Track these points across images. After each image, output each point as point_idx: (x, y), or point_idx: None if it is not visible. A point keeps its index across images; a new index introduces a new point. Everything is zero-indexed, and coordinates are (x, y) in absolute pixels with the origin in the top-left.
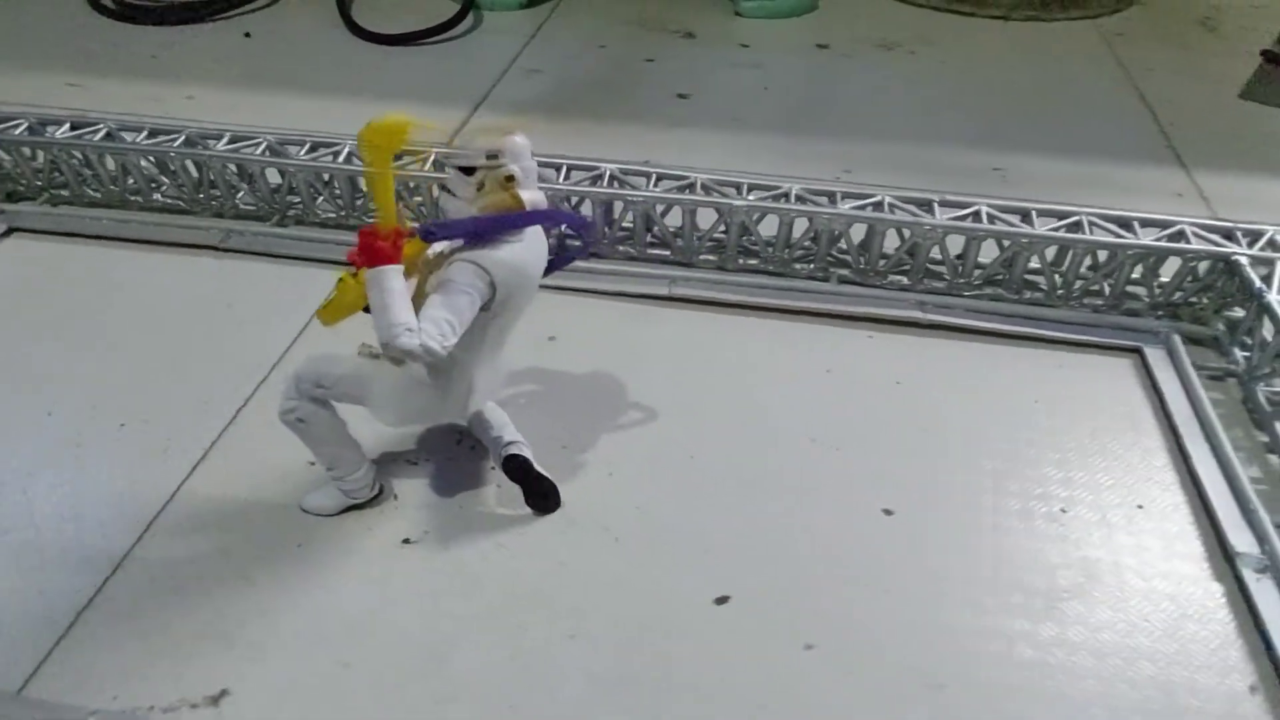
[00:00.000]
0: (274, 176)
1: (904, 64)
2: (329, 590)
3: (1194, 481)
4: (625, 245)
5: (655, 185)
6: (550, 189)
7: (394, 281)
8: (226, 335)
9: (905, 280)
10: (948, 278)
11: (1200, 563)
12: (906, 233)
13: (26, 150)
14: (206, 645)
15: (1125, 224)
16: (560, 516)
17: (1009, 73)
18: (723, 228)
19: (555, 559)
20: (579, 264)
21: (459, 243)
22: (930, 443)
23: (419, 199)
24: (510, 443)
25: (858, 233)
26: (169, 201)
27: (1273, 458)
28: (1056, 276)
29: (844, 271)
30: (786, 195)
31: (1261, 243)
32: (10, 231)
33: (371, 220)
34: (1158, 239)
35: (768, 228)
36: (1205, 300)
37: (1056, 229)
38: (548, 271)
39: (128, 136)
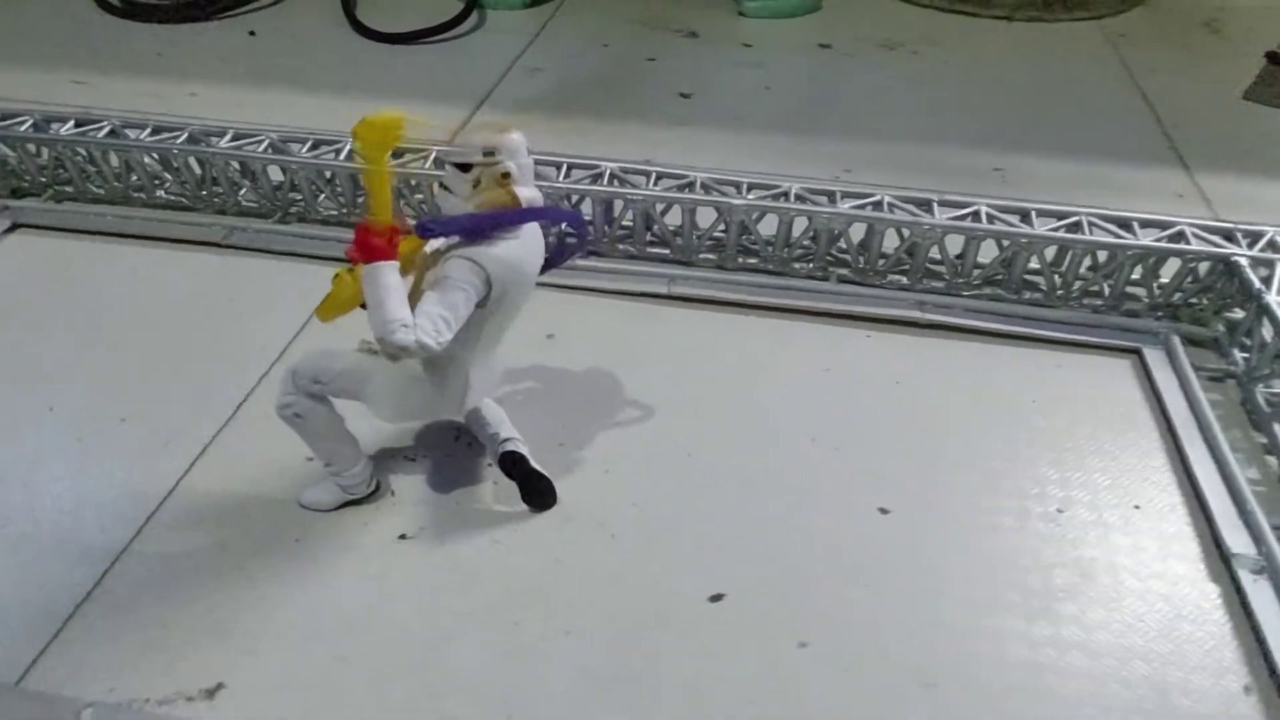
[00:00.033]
0: (276, 174)
1: (906, 64)
2: (325, 585)
3: (1191, 482)
4: (625, 244)
5: (655, 184)
6: (550, 187)
7: (389, 277)
8: (227, 331)
9: (904, 280)
10: (947, 277)
11: (1196, 563)
12: (906, 232)
13: (31, 147)
14: (203, 639)
15: (1125, 224)
16: (557, 513)
17: (1011, 73)
18: (722, 227)
19: (551, 555)
20: (579, 262)
21: (456, 239)
22: (928, 442)
23: (420, 196)
24: (507, 439)
25: (857, 232)
26: (172, 198)
27: (1271, 459)
28: (1056, 277)
29: (843, 271)
30: (786, 194)
31: (1262, 244)
32: (14, 227)
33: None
34: (1157, 240)
35: (767, 227)
36: (1205, 301)
37: (1056, 229)
38: (544, 269)
39: (131, 133)
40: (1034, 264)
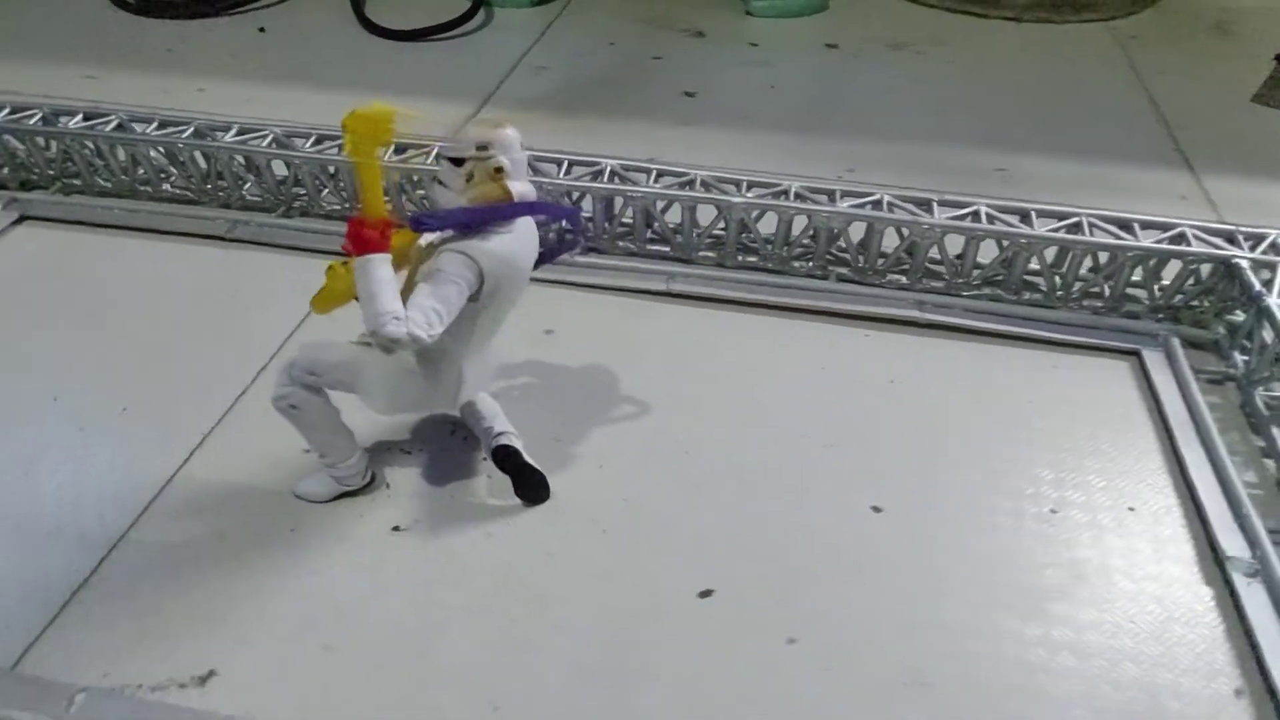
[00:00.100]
0: (280, 169)
1: (913, 64)
2: (319, 575)
3: (1187, 485)
4: (625, 241)
5: (656, 182)
6: (551, 184)
7: (382, 270)
8: (229, 324)
9: (904, 279)
10: (946, 277)
11: (1190, 566)
12: (905, 232)
13: (40, 140)
14: (197, 626)
15: (1125, 225)
16: (549, 507)
17: (1018, 74)
18: (722, 224)
19: (543, 549)
20: (579, 259)
21: (449, 233)
22: (923, 441)
23: (421, 192)
24: (500, 433)
25: (857, 231)
26: (177, 192)
27: (1269, 462)
28: (1056, 278)
29: (842, 270)
30: (785, 193)
31: (1263, 246)
32: (22, 219)
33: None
34: (1158, 241)
35: (768, 225)
36: (1206, 304)
37: (1056, 230)
38: (539, 264)
39: (138, 127)
40: (1034, 265)
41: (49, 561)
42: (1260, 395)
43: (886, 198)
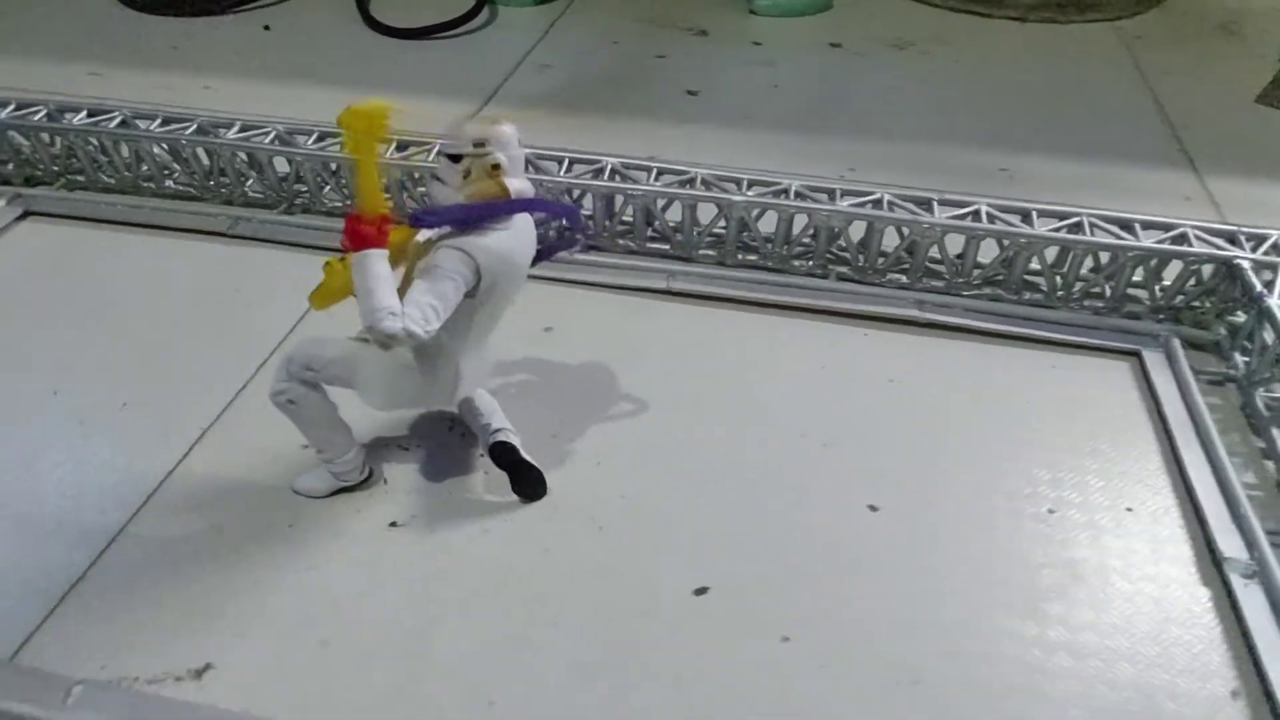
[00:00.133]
0: (282, 165)
1: (916, 64)
2: (316, 570)
3: (1186, 486)
4: (625, 239)
5: (656, 180)
6: (551, 181)
7: (378, 265)
8: (230, 319)
9: (904, 279)
10: (947, 277)
11: (1187, 567)
12: (905, 231)
13: (45, 136)
14: (194, 620)
15: (1127, 226)
16: (546, 504)
17: (1022, 74)
18: (722, 223)
19: (540, 546)
20: (579, 256)
21: (447, 229)
22: (921, 441)
23: (423, 189)
24: (498, 430)
25: (857, 231)
26: (180, 188)
27: (1269, 464)
28: (1057, 278)
29: (842, 269)
30: (786, 192)
31: (1265, 247)
32: (26, 215)
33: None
34: (1159, 241)
35: (768, 224)
36: (1208, 304)
37: (1057, 230)
38: (537, 261)
39: (141, 124)
40: (1035, 264)
41: (48, 555)
42: (1261, 396)
43: (887, 197)
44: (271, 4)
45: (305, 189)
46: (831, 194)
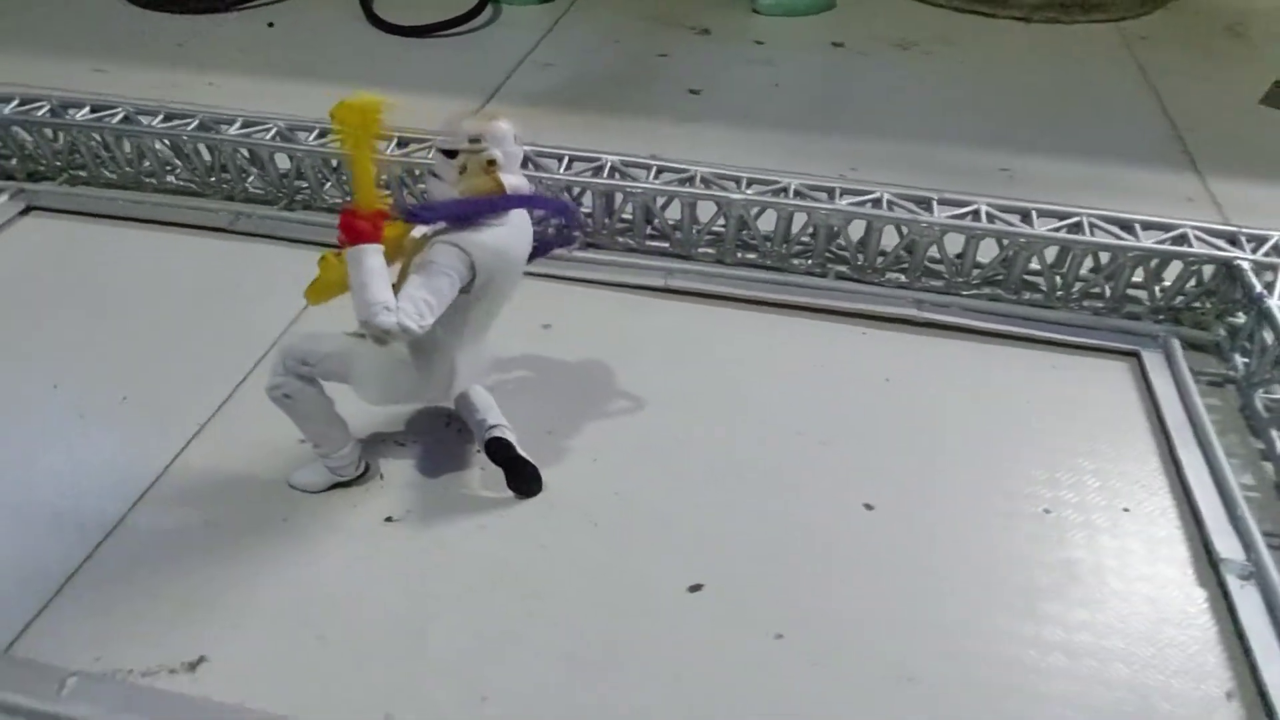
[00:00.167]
0: (283, 161)
1: (919, 64)
2: (311, 564)
3: (1183, 487)
4: (625, 237)
5: (656, 178)
6: (551, 179)
7: (373, 260)
8: (230, 314)
9: (903, 278)
10: (946, 276)
11: (1184, 567)
12: (905, 230)
13: (48, 132)
14: (189, 613)
15: (1127, 226)
16: (541, 500)
17: (1025, 74)
18: (722, 221)
19: (535, 542)
20: (578, 254)
21: (443, 224)
22: (917, 440)
23: (423, 186)
24: (493, 426)
25: (857, 230)
26: (182, 184)
27: (1267, 465)
28: (1056, 278)
29: (841, 268)
30: (785, 190)
31: (1266, 248)
32: (29, 209)
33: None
34: (1159, 242)
35: (768, 223)
36: (1208, 305)
37: (1057, 230)
38: (533, 257)
39: (144, 120)
40: (1034, 264)
41: (45, 547)
42: (1260, 398)
43: (886, 196)
44: (275, 1)
45: (306, 185)
46: (831, 193)
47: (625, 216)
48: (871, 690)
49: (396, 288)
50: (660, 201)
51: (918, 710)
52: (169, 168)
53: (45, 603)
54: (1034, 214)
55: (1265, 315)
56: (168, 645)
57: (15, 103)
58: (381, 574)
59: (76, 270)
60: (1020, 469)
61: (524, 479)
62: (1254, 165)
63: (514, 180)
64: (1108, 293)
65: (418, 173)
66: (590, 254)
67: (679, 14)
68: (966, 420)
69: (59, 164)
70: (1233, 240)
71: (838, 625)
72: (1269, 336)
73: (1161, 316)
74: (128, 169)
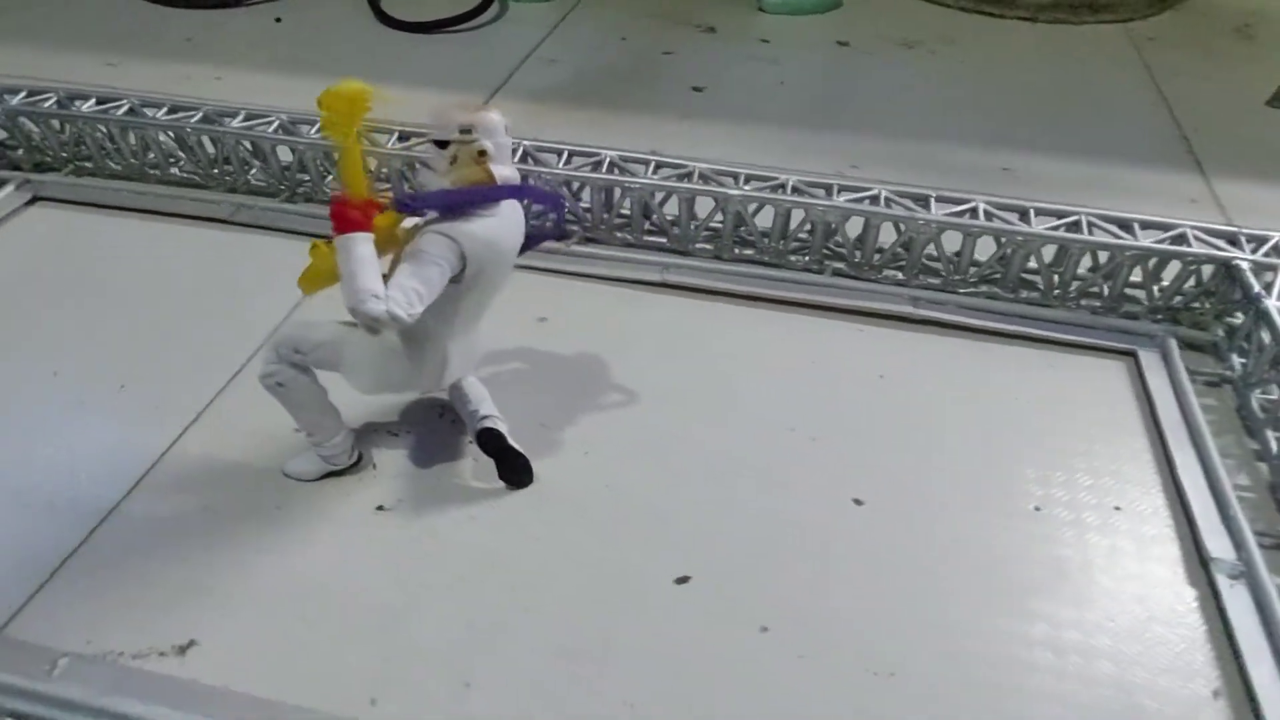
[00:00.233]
0: (285, 154)
1: (924, 63)
2: (302, 552)
3: (1176, 486)
4: (623, 232)
5: (654, 173)
6: (550, 173)
7: (363, 249)
8: (229, 305)
9: (900, 275)
10: (943, 274)
11: (1174, 567)
12: (902, 227)
13: (55, 123)
14: (180, 597)
15: (1125, 225)
16: (533, 492)
17: (1031, 74)
18: (719, 217)
19: (525, 533)
20: (576, 248)
21: (434, 214)
22: (909, 436)
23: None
24: (485, 416)
25: (855, 227)
26: (185, 176)
27: (1261, 465)
28: (1054, 276)
29: (839, 265)
30: (783, 186)
31: (1266, 248)
32: (35, 200)
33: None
34: (1158, 241)
35: (766, 219)
36: (1206, 305)
37: (1055, 228)
38: (525, 249)
39: (149, 112)
40: (1032, 263)
41: (41, 531)
42: (1257, 398)
43: (884, 193)
44: None
45: (307, 178)
46: (829, 189)
47: (624, 211)
48: (855, 684)
49: (389, 278)
50: (658, 197)
51: (901, 704)
52: (173, 160)
53: (39, 586)
54: (1032, 212)
55: (1263, 316)
56: (158, 629)
57: (23, 94)
58: (372, 562)
59: (79, 260)
60: (1012, 466)
61: (515, 470)
62: (1259, 167)
63: (505, 171)
64: (1105, 292)
65: (417, 167)
66: (587, 248)
67: (685, 12)
68: (959, 417)
69: (65, 155)
70: (1232, 240)
71: (824, 619)
72: (1267, 337)
73: (1159, 316)
74: (132, 160)
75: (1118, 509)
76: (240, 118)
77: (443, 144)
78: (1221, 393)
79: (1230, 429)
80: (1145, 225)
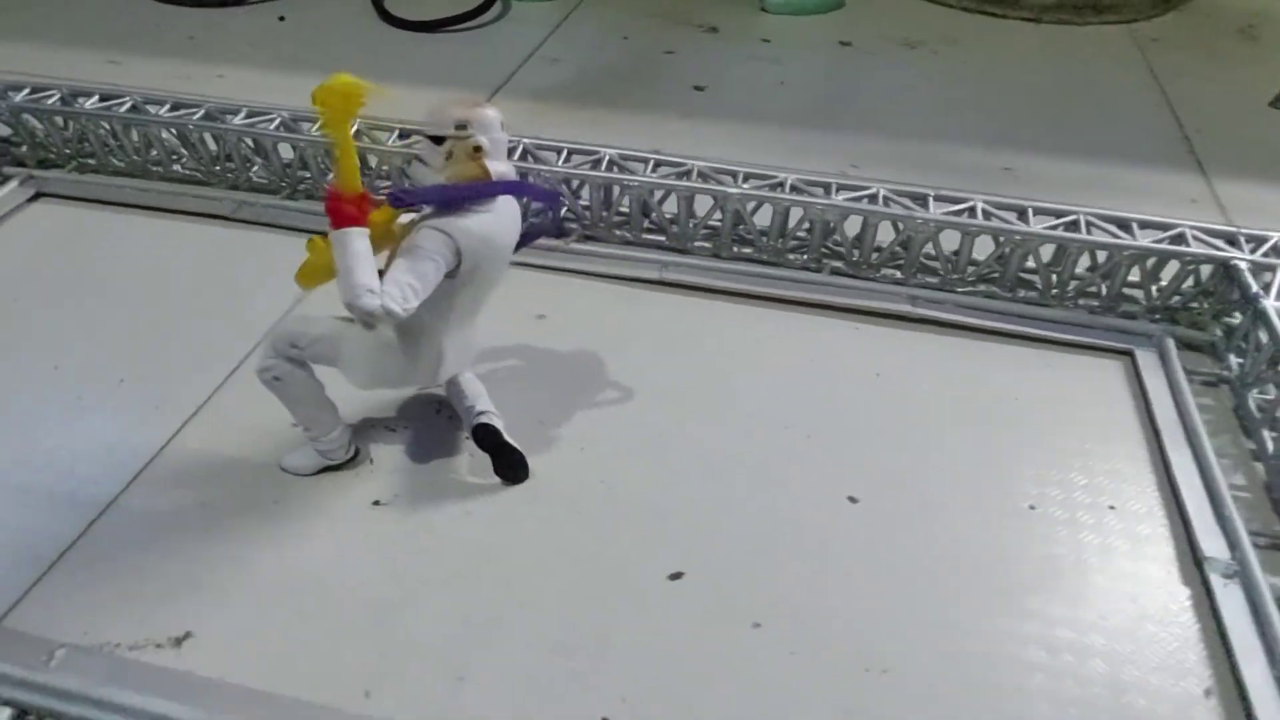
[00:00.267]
0: (286, 151)
1: (926, 63)
2: (299, 546)
3: (1171, 486)
4: (622, 230)
5: (654, 172)
6: (550, 171)
7: (358, 243)
8: (228, 300)
9: (898, 274)
10: (941, 273)
11: (1168, 566)
12: (900, 226)
13: (59, 120)
14: (177, 590)
15: (1124, 225)
16: (528, 488)
17: (1033, 75)
18: (718, 215)
19: (520, 528)
20: (575, 245)
21: (430, 210)
22: (904, 435)
23: None
24: (482, 412)
25: (853, 226)
26: (187, 173)
27: (1258, 465)
28: (1052, 276)
29: (837, 263)
30: (782, 185)
31: (1264, 249)
32: (38, 196)
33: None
34: (1156, 241)
35: (765, 218)
36: (1204, 305)
37: (1053, 227)
38: (521, 245)
39: (152, 109)
40: (1030, 262)
41: (40, 523)
42: (1254, 398)
43: (883, 191)
44: None
45: (309, 175)
46: (827, 188)
47: (622, 209)
48: (848, 681)
49: (385, 273)
50: (657, 195)
51: (893, 701)
52: (175, 156)
53: (38, 577)
54: (1030, 211)
55: (1261, 315)
56: (155, 621)
57: (26, 91)
58: (368, 557)
59: (82, 256)
60: (1008, 465)
61: (511, 465)
62: (1261, 168)
63: (500, 167)
64: (1104, 291)
65: (414, 162)
66: (586, 246)
67: (687, 12)
68: (956, 416)
69: (68, 152)
70: (1231, 240)
71: (816, 616)
72: (1264, 337)
73: (1157, 316)
74: (135, 157)
75: (1112, 508)
76: (242, 115)
77: (438, 139)
78: (1219, 392)
79: (1227, 429)
80: (1144, 225)
